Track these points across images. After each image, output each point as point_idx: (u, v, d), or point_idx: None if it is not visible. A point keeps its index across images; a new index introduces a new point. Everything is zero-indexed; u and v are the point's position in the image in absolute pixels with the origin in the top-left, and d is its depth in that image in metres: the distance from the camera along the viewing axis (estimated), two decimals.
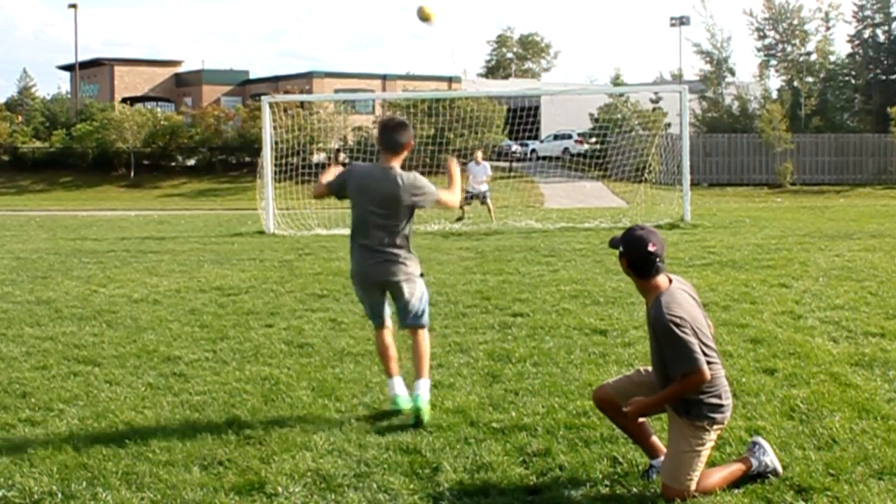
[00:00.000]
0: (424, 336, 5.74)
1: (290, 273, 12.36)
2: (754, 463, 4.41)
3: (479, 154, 22.24)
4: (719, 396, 4.31)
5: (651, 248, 4.31)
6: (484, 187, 21.83)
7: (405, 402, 5.54)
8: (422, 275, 5.76)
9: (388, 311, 5.80)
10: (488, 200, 21.96)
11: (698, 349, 4.19)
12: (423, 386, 5.54)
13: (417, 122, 37.12)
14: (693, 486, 4.24)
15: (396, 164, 5.58)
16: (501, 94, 47.31)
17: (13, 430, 5.44)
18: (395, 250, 5.56)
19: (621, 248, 4.39)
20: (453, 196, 5.78)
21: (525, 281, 11.17)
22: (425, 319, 5.75)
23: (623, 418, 4.52)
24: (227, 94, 61.48)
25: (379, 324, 5.78)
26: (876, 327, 7.87)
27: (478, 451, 4.93)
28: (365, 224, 5.57)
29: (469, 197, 21.44)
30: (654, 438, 4.61)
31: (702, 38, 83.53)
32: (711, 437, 4.32)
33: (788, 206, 30.22)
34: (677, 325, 4.17)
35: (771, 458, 4.45)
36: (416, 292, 5.67)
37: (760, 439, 4.57)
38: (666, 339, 4.19)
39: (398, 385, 5.67)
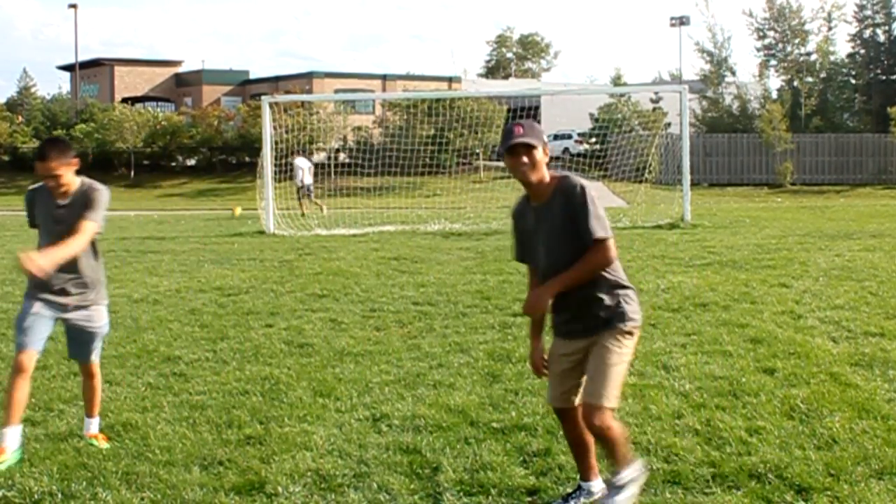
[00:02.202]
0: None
1: (290, 273, 12.36)
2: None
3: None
4: (631, 297, 4.16)
5: None
6: (308, 180, 24.46)
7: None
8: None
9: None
10: (311, 195, 24.53)
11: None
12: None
13: (417, 123, 37.15)
14: (616, 405, 4.02)
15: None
16: (501, 94, 47.23)
17: None
18: None
19: (534, 142, 4.06)
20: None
21: (525, 281, 11.15)
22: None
23: (573, 426, 4.20)
24: (227, 94, 61.44)
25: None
26: (876, 327, 7.88)
27: (478, 451, 4.93)
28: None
29: (306, 192, 24.32)
30: (594, 461, 4.31)
31: (703, 37, 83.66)
32: (634, 342, 4.13)
33: (788, 206, 30.21)
34: (592, 197, 4.15)
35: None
36: None
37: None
38: (587, 205, 4.12)
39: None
